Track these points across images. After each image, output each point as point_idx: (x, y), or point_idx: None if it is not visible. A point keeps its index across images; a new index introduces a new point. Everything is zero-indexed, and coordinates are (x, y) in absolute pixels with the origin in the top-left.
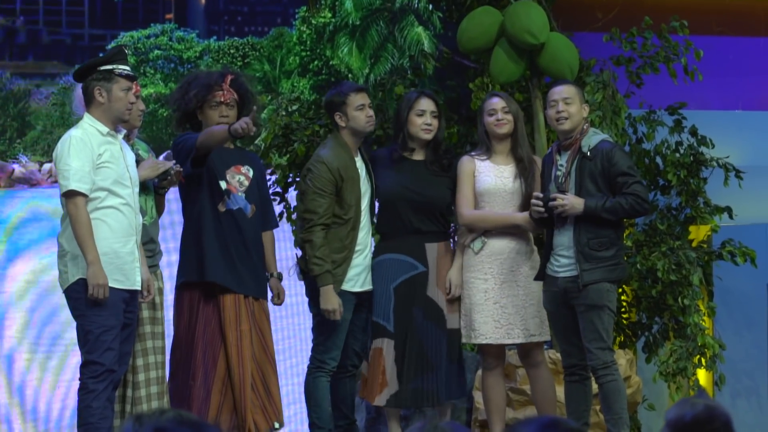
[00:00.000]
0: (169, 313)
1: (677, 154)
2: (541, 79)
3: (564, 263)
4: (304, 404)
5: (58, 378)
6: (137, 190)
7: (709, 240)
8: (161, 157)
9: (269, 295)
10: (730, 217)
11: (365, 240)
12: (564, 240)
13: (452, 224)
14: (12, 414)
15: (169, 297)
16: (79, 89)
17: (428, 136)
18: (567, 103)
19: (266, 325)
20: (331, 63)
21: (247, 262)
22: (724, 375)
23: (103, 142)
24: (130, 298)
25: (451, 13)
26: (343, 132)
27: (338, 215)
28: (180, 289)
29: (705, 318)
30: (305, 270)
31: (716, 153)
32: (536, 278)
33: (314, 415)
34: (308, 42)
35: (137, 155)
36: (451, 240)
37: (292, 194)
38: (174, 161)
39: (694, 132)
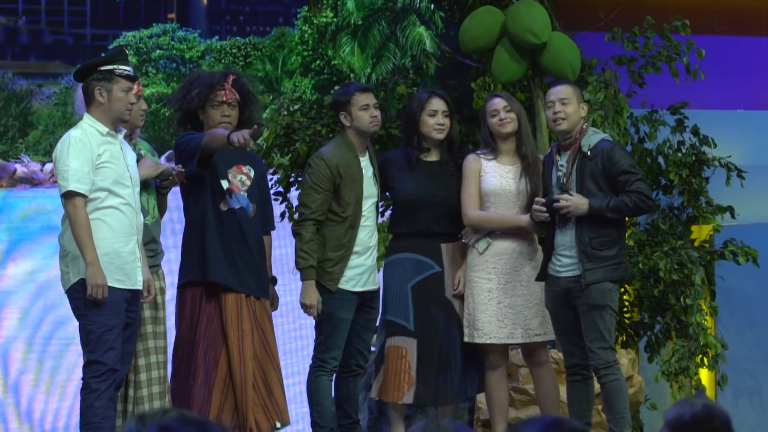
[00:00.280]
0: (171, 309)
1: (679, 154)
2: (543, 78)
3: (566, 263)
4: (305, 404)
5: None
6: (138, 189)
7: (711, 239)
8: (163, 157)
9: None
10: (732, 216)
11: (368, 241)
12: (566, 240)
13: None
14: (7, 412)
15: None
16: (80, 89)
17: (441, 136)
18: (564, 103)
19: (268, 325)
20: (333, 63)
21: (249, 262)
22: (726, 375)
23: (102, 142)
24: (132, 297)
25: (453, 13)
26: (348, 131)
27: (335, 212)
28: (182, 288)
29: (707, 317)
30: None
31: (718, 152)
32: (538, 278)
33: (316, 414)
34: (310, 42)
35: (139, 155)
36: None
37: (294, 194)
38: (175, 161)
39: (696, 131)
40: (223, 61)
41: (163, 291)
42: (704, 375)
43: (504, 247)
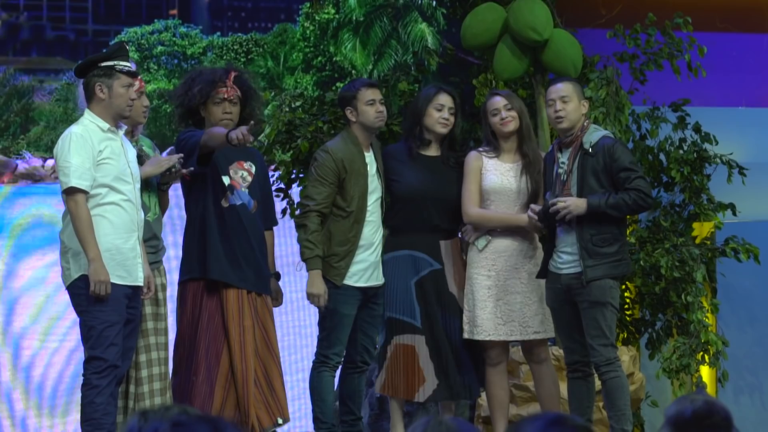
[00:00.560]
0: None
1: (681, 151)
2: (544, 75)
3: (567, 260)
4: (308, 400)
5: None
6: (138, 186)
7: (713, 237)
8: (164, 154)
9: None
10: (734, 213)
11: (372, 236)
12: (567, 237)
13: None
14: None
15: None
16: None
17: (444, 131)
18: (564, 101)
19: (270, 321)
20: (334, 59)
21: (251, 258)
22: (727, 372)
23: (103, 139)
24: (133, 293)
25: (455, 10)
26: (353, 126)
27: (341, 207)
28: (183, 285)
29: (708, 315)
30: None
31: (720, 150)
32: (538, 276)
33: (318, 410)
34: (312, 38)
35: (141, 151)
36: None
37: (295, 190)
38: (178, 157)
39: (697, 129)
40: (224, 57)
41: (164, 287)
42: (705, 372)
43: (504, 244)
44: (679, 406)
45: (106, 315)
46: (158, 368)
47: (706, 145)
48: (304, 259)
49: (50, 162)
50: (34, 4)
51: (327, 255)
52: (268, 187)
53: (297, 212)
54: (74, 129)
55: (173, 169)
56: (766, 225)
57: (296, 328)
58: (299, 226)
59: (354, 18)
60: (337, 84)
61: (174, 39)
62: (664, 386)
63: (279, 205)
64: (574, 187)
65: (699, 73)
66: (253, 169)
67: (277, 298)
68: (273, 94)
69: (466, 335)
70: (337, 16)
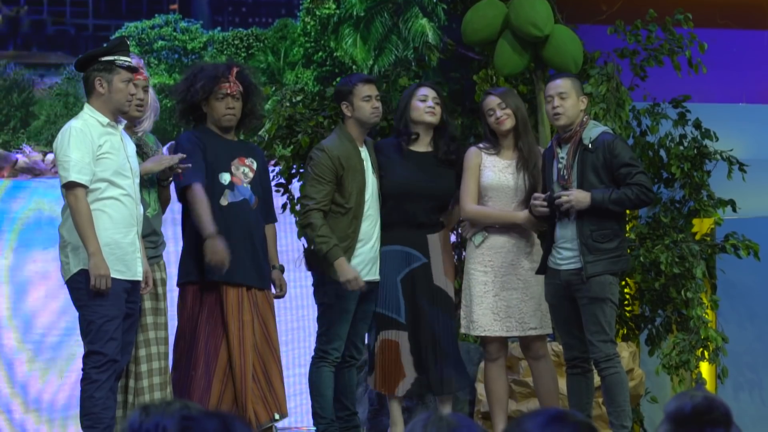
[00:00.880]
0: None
1: (681, 147)
2: (545, 71)
3: (566, 256)
4: (307, 395)
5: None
6: (138, 180)
7: (713, 233)
8: (165, 148)
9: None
10: (734, 210)
11: (370, 230)
12: (566, 233)
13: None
14: (12, 404)
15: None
16: None
17: (432, 119)
18: (562, 97)
19: (270, 316)
20: (335, 54)
21: (251, 254)
22: (727, 368)
23: (103, 133)
24: (132, 288)
25: (456, 5)
26: (348, 122)
27: (339, 204)
28: (182, 286)
29: (708, 311)
30: (312, 261)
31: (720, 146)
32: (538, 272)
33: (317, 405)
34: (312, 33)
35: (144, 146)
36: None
37: (295, 185)
38: (180, 157)
39: (697, 125)
40: (225, 52)
41: (164, 282)
42: (705, 368)
43: (501, 241)
44: (678, 401)
45: (105, 309)
46: (158, 363)
47: (707, 142)
48: (323, 255)
49: (50, 156)
50: None
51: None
52: (267, 183)
53: (298, 212)
54: (74, 123)
55: (173, 169)
56: (766, 221)
57: (297, 324)
58: (304, 227)
59: (355, 13)
60: (338, 79)
61: (174, 34)
62: (663, 382)
63: (279, 200)
64: (573, 183)
65: (699, 69)
66: (255, 165)
67: (282, 288)
68: (273, 89)
69: (463, 330)
70: (337, 11)
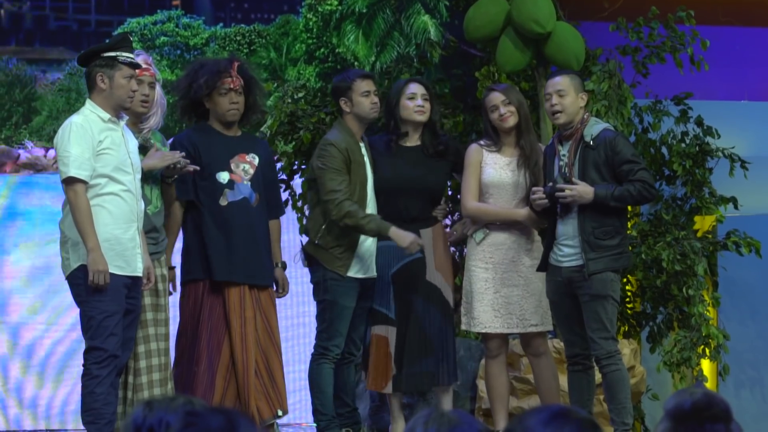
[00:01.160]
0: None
1: (683, 145)
2: (547, 68)
3: (568, 252)
4: (307, 391)
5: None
6: (139, 176)
7: (714, 230)
8: (168, 142)
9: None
10: (735, 207)
11: None
12: (568, 230)
13: (456, 213)
14: (8, 401)
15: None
16: None
17: (422, 118)
18: (561, 95)
19: (272, 312)
20: (337, 51)
21: (252, 252)
22: (728, 365)
23: (104, 129)
24: (132, 284)
25: (458, 2)
26: (347, 117)
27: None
28: (185, 285)
29: (709, 308)
30: (310, 258)
31: (722, 143)
32: (539, 269)
33: (317, 401)
34: (314, 29)
35: (147, 143)
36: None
37: (297, 182)
38: (183, 154)
39: (699, 122)
40: (227, 48)
41: (164, 278)
42: (706, 366)
43: (501, 237)
44: (678, 398)
45: (105, 305)
46: (158, 359)
47: (708, 139)
48: (375, 234)
49: (52, 152)
50: None
51: (331, 246)
52: (274, 176)
53: (300, 209)
54: (74, 119)
55: (178, 165)
56: (767, 219)
57: (297, 320)
58: (342, 218)
59: (357, 9)
60: None
61: (177, 30)
62: (664, 379)
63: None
64: (576, 179)
65: (701, 66)
66: (256, 161)
67: (284, 287)
68: (275, 85)
69: (463, 326)
70: (339, 7)
